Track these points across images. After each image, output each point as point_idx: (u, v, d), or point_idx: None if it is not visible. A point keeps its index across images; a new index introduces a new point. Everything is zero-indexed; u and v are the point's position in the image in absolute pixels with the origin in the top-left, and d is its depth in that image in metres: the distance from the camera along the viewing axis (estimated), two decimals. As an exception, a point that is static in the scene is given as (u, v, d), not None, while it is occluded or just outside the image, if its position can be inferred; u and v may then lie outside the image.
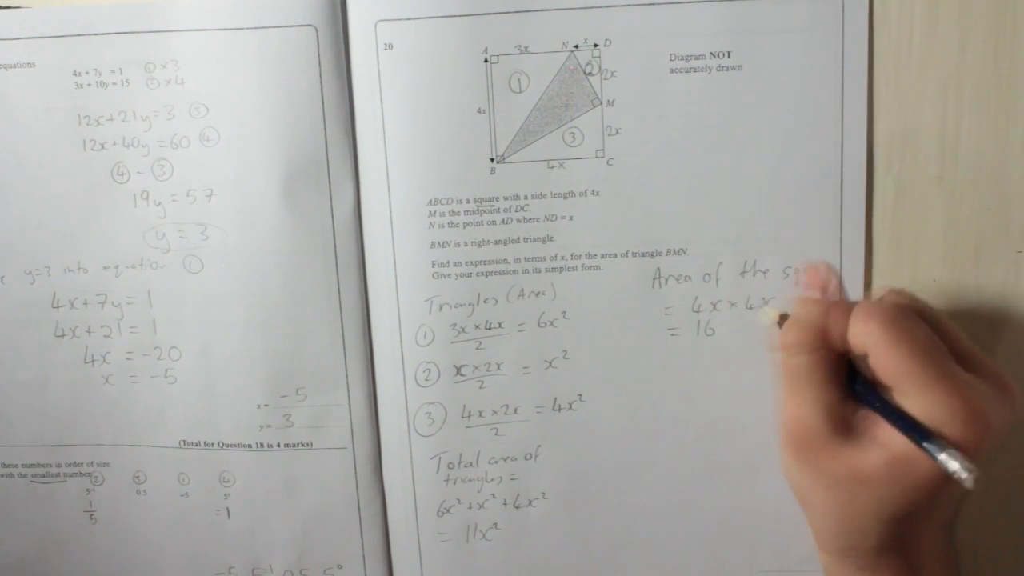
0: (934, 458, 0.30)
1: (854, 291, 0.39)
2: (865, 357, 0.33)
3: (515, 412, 0.41)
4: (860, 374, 0.33)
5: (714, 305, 0.40)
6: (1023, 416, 0.39)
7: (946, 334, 0.33)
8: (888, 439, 0.32)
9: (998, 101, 0.37)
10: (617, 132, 0.38)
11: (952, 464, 0.29)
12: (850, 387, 0.33)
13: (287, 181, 0.39)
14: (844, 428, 0.33)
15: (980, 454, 0.30)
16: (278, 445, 0.42)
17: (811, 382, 0.33)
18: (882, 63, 0.37)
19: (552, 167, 0.39)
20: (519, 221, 0.39)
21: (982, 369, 0.33)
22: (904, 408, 0.31)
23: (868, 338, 0.32)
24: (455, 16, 0.38)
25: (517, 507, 0.42)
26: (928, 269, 0.39)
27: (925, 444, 0.30)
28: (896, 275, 0.39)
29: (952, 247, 0.38)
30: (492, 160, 0.39)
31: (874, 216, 0.39)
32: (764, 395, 0.40)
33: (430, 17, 0.38)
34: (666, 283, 0.40)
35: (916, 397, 0.31)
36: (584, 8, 0.37)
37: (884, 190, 0.38)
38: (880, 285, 0.39)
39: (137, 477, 0.43)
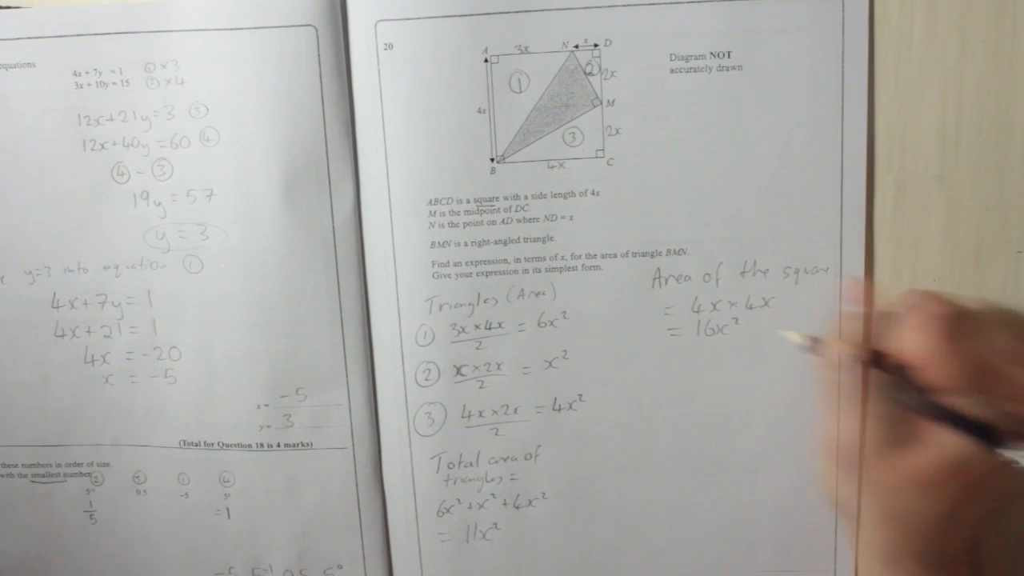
0: (1003, 454, 0.30)
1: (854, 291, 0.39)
2: (917, 366, 0.33)
3: (515, 412, 0.41)
4: (911, 383, 0.33)
5: (714, 305, 0.40)
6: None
7: (996, 336, 0.34)
8: (941, 441, 0.32)
9: (998, 101, 0.37)
10: (617, 132, 0.38)
11: None
12: (895, 395, 0.34)
13: (287, 181, 0.39)
14: (894, 436, 0.33)
15: None
16: (278, 445, 0.42)
17: (862, 395, 0.34)
18: (882, 63, 0.37)
19: (552, 167, 0.39)
20: (519, 221, 0.39)
21: None
22: (961, 411, 0.32)
23: (923, 349, 0.33)
24: (455, 16, 0.38)
25: (517, 507, 0.42)
26: (928, 269, 0.39)
27: (992, 442, 0.30)
28: (896, 275, 0.39)
29: (952, 247, 0.38)
30: (492, 160, 0.39)
31: (874, 216, 0.39)
32: (764, 395, 0.40)
33: (430, 17, 0.38)
34: (666, 283, 0.40)
35: (978, 401, 0.31)
36: (584, 8, 0.37)
37: (884, 190, 0.38)
38: (880, 285, 0.39)
39: (137, 477, 0.43)
